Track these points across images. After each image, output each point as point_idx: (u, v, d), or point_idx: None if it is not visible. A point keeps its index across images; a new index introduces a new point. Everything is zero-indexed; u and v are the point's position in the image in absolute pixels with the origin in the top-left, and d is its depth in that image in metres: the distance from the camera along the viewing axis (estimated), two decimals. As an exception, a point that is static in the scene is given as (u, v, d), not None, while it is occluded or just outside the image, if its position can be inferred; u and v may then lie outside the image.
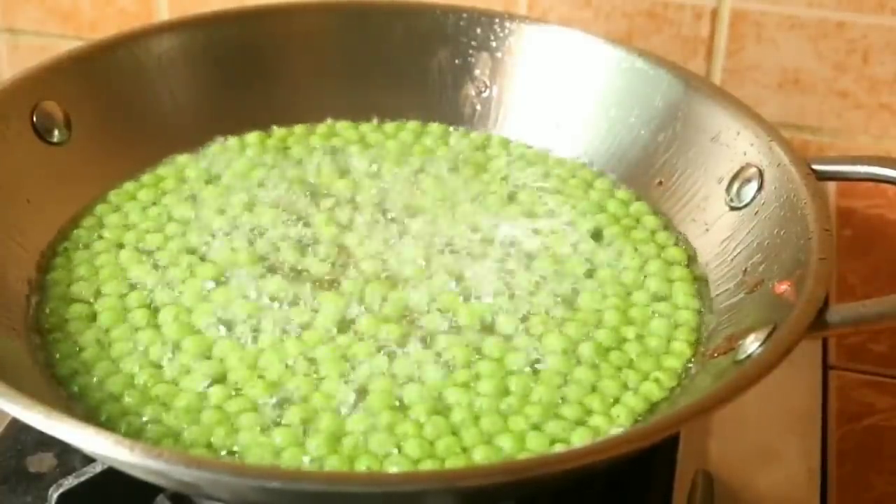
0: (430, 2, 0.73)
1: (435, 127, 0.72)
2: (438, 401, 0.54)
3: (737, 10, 0.77)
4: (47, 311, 0.58)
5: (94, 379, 0.54)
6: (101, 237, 0.63)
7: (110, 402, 0.53)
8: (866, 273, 0.76)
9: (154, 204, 0.65)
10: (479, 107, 0.73)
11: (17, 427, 0.60)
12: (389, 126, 0.72)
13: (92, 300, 0.59)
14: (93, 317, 0.58)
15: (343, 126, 0.72)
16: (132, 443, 0.44)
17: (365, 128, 0.72)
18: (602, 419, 0.53)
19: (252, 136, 0.70)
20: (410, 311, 0.58)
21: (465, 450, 0.51)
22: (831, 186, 0.79)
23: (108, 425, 0.52)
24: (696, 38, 0.78)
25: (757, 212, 0.60)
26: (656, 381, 0.55)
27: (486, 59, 0.72)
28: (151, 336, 0.57)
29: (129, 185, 0.66)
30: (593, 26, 0.78)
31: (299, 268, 0.61)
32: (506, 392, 0.54)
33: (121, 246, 0.62)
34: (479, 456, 0.51)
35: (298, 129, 0.71)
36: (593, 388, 0.55)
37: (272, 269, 0.61)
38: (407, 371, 0.55)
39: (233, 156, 0.69)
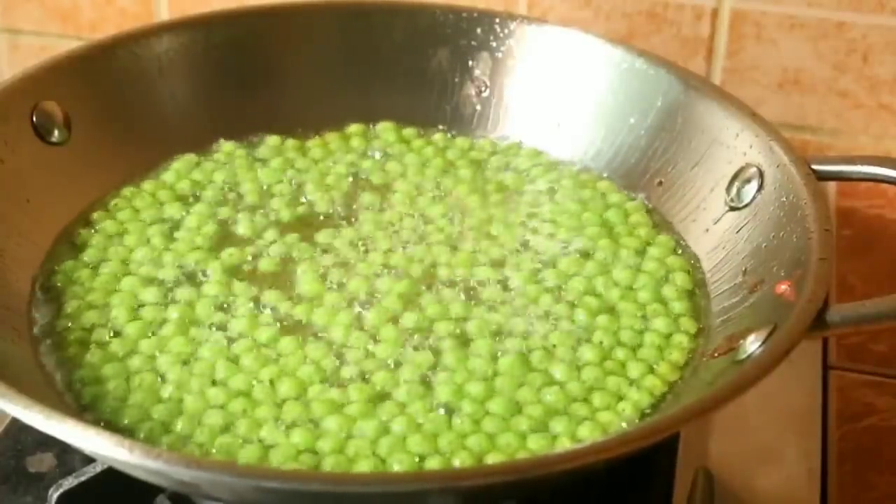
0: (430, 2, 0.73)
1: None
2: (441, 398, 0.54)
3: (737, 10, 0.77)
4: (49, 311, 0.58)
5: (97, 379, 0.54)
6: (103, 237, 0.62)
7: (112, 401, 0.53)
8: (866, 273, 0.76)
9: (159, 205, 0.65)
10: (479, 107, 0.72)
11: (17, 427, 0.60)
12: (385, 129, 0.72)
13: (94, 301, 0.59)
14: (95, 317, 0.58)
15: (372, 130, 0.72)
16: (132, 443, 0.44)
17: (381, 132, 0.72)
18: (605, 416, 0.53)
19: (265, 140, 0.70)
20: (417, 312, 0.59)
21: (465, 446, 0.51)
22: (831, 186, 0.79)
23: (108, 423, 0.52)
24: (696, 38, 0.78)
25: (757, 212, 0.60)
26: (655, 380, 0.55)
27: (486, 59, 0.72)
28: (155, 338, 0.56)
29: (131, 185, 0.66)
30: (593, 26, 0.78)
31: (310, 267, 0.61)
32: (507, 390, 0.54)
33: (124, 246, 0.62)
34: (478, 450, 0.51)
35: (320, 134, 0.71)
36: (594, 387, 0.55)
37: (264, 272, 0.61)
38: (415, 372, 0.55)
39: (241, 159, 0.69)
